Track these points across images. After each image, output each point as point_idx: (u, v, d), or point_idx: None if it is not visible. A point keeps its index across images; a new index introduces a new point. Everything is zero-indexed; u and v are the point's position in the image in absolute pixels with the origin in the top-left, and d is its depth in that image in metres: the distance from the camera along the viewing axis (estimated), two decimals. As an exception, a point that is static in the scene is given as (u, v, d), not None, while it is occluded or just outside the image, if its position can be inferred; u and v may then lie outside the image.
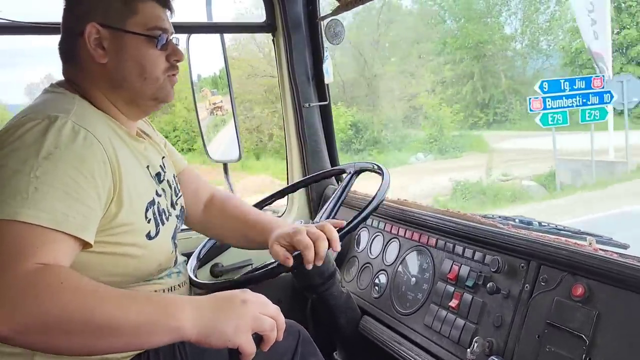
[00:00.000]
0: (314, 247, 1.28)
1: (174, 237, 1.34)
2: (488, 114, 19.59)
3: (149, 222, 1.21)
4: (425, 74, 19.39)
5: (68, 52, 1.25)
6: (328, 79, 2.25)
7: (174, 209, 1.37)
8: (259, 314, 1.01)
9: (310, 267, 1.29)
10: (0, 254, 0.90)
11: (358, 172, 1.89)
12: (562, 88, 10.89)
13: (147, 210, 1.21)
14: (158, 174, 1.34)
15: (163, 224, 1.27)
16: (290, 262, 1.31)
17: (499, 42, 19.94)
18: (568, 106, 10.87)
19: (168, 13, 1.30)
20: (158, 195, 1.29)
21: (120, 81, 1.23)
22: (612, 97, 10.70)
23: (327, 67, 2.23)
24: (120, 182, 1.12)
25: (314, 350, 1.48)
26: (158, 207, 1.26)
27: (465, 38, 18.95)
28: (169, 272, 1.32)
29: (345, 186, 1.80)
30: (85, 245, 1.02)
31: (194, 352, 1.29)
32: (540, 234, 1.36)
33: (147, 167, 1.30)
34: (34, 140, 1.02)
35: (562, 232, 1.50)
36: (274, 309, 1.05)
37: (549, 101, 10.88)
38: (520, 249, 1.29)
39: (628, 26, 19.48)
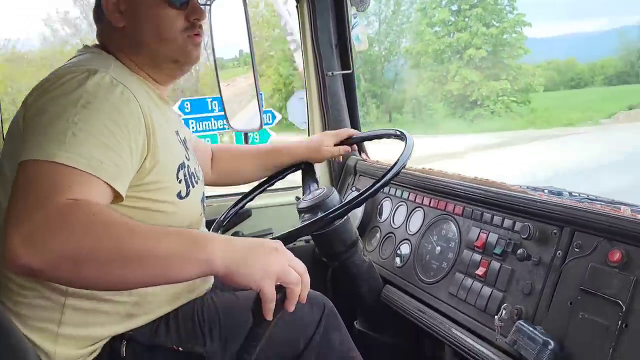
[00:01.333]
0: None
1: (202, 200, 1.36)
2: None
3: (180, 182, 1.22)
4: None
5: (97, 16, 1.26)
6: (359, 45, 2.20)
7: (199, 175, 1.38)
8: (287, 266, 0.99)
9: None
10: (35, 192, 0.90)
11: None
12: (210, 108, 7.75)
13: (178, 171, 1.22)
14: (184, 140, 1.35)
15: (193, 186, 1.28)
16: (350, 150, 1.89)
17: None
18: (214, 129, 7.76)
19: None
20: (187, 159, 1.29)
21: (140, 44, 1.23)
22: (273, 117, 7.86)
23: (358, 33, 2.18)
24: (154, 140, 1.12)
25: (338, 325, 1.47)
26: (188, 170, 1.27)
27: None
28: None
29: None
30: (116, 196, 1.02)
31: (210, 315, 1.28)
32: (573, 202, 1.32)
33: (177, 132, 1.30)
34: (74, 89, 1.03)
35: (594, 201, 1.45)
36: (302, 266, 1.03)
37: (192, 123, 7.46)
38: (553, 214, 1.24)
39: (462, 30, 20.17)
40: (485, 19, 21.43)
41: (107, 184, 0.98)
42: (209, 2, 1.33)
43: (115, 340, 1.19)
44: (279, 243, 1.03)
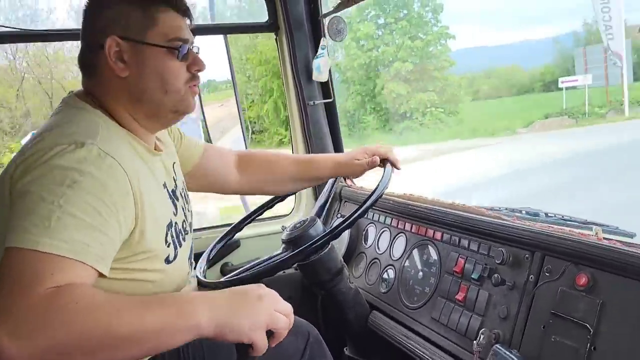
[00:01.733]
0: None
1: (190, 258, 1.35)
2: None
3: (168, 246, 1.21)
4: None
5: (89, 66, 1.22)
6: (319, 76, 2.23)
7: (187, 225, 1.36)
8: (273, 311, 1.01)
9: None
10: (19, 281, 0.90)
11: None
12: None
13: (167, 234, 1.21)
14: (173, 191, 1.33)
15: (181, 245, 1.26)
16: (378, 160, 1.73)
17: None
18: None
19: (187, 21, 1.27)
20: (175, 214, 1.28)
21: (141, 94, 1.20)
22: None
23: (319, 63, 2.22)
24: (142, 211, 1.11)
25: (323, 352, 1.49)
26: (175, 228, 1.26)
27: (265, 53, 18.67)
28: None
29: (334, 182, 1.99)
30: (100, 275, 1.01)
31: (195, 352, 1.31)
32: (546, 224, 1.36)
33: (164, 184, 1.29)
34: (60, 167, 1.00)
35: (568, 222, 1.50)
36: (287, 306, 1.06)
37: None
38: (524, 240, 1.28)
39: (388, 43, 20.71)
40: (411, 32, 21.58)
41: (91, 266, 0.97)
42: (197, 47, 1.32)
43: None
44: (262, 287, 1.04)
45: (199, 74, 1.28)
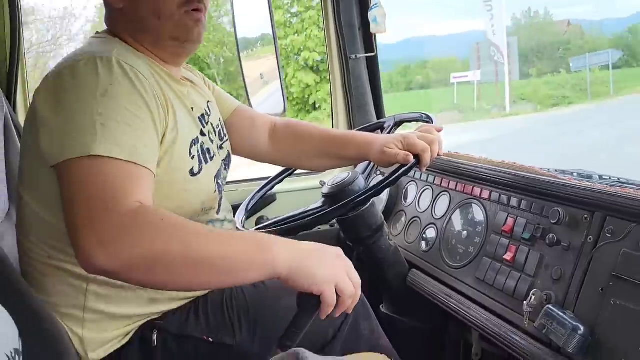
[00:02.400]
0: (430, 150, 1.39)
1: (217, 177, 1.33)
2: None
3: (192, 158, 1.21)
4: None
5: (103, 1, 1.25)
6: (377, 28, 2.16)
7: (220, 150, 1.38)
8: (346, 276, 1.01)
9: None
10: (97, 194, 0.93)
11: (398, 124, 1.83)
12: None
13: (191, 146, 1.21)
14: (202, 116, 1.33)
15: (207, 162, 1.27)
16: (412, 159, 1.38)
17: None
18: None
19: None
20: (202, 135, 1.28)
21: (139, 23, 1.21)
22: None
23: (375, 15, 2.15)
24: (170, 114, 1.13)
25: (368, 314, 1.47)
26: (202, 146, 1.26)
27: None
28: (213, 221, 1.32)
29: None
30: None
31: (240, 308, 1.30)
32: (605, 186, 1.29)
33: (192, 108, 1.29)
34: (88, 80, 1.03)
35: (625, 184, 1.43)
36: (358, 280, 1.04)
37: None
38: (584, 199, 1.22)
39: (298, 33, 19.97)
40: (320, 21, 20.93)
41: (145, 167, 1.01)
42: None
43: (146, 328, 1.20)
44: (340, 250, 1.04)
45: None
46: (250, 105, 2.42)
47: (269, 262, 0.95)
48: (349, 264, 1.03)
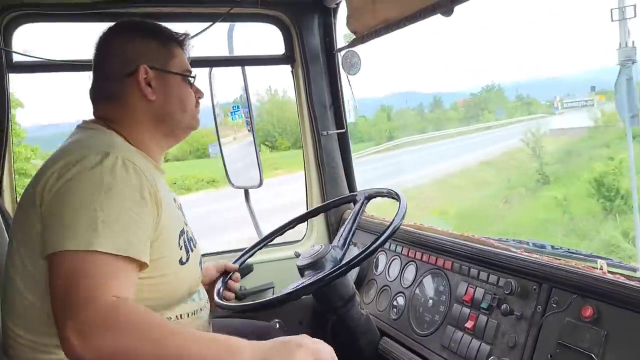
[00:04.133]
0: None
1: (200, 263, 1.45)
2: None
3: (180, 249, 1.30)
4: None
5: (110, 93, 1.36)
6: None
7: (195, 239, 1.45)
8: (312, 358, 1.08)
9: None
10: (83, 285, 1.01)
11: (369, 198, 1.96)
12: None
13: (179, 238, 1.31)
14: (180, 206, 1.46)
15: (192, 250, 1.36)
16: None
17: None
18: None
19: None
20: (185, 224, 1.39)
21: (164, 115, 1.38)
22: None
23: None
24: (161, 211, 1.22)
25: None
26: (187, 235, 1.36)
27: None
28: (194, 297, 1.41)
29: (357, 212, 1.86)
30: (141, 268, 1.13)
31: None
32: (552, 257, 1.42)
33: (174, 199, 1.43)
34: (94, 175, 1.12)
35: (574, 255, 1.56)
36: (330, 351, 1.12)
37: None
38: (533, 272, 1.35)
39: None
40: None
41: (137, 260, 1.10)
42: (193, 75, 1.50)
43: None
44: (305, 338, 1.11)
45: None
46: (228, 178, 2.54)
47: None
48: (313, 347, 1.09)
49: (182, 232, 1.33)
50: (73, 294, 1.01)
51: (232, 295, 1.77)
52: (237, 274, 1.83)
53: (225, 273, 1.79)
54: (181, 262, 1.30)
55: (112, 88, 1.36)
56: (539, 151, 18.37)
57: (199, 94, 1.48)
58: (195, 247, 1.40)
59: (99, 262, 1.04)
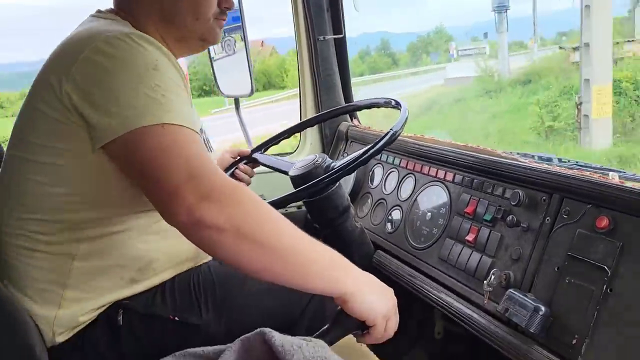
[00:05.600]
0: None
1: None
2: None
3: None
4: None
5: None
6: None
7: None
8: (394, 314, 1.07)
9: None
10: (189, 154, 0.95)
11: (367, 108, 1.86)
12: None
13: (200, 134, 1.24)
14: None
15: (210, 151, 1.30)
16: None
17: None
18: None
19: None
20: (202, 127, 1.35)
21: (173, 16, 1.23)
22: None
23: None
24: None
25: None
26: (205, 135, 1.33)
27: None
28: None
29: None
30: None
31: (207, 287, 1.30)
32: (563, 168, 1.33)
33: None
34: (134, 54, 1.02)
35: (583, 167, 1.47)
36: (397, 318, 1.09)
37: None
38: (543, 182, 1.26)
39: None
40: None
41: (198, 134, 1.03)
42: None
43: (112, 308, 1.19)
44: (392, 290, 1.09)
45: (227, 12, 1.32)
46: (217, 86, 2.41)
47: (339, 280, 0.99)
48: (395, 302, 1.08)
49: (201, 131, 1.27)
50: (182, 163, 0.93)
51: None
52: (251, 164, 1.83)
53: (239, 159, 1.79)
54: None
55: None
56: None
57: (225, 3, 1.30)
58: (210, 150, 1.36)
59: (181, 134, 0.97)
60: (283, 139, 1.97)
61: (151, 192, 0.97)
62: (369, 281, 1.04)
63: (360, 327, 1.05)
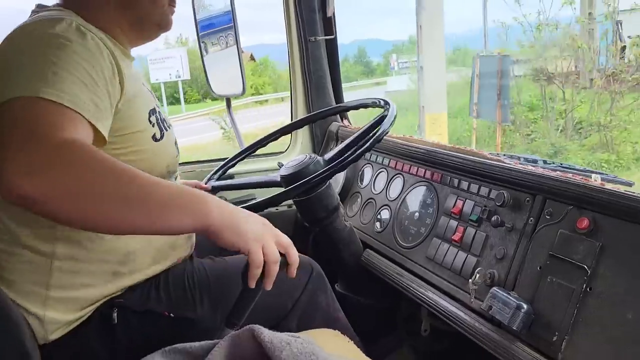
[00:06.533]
0: None
1: (176, 144, 1.37)
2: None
3: (153, 126, 1.23)
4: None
5: None
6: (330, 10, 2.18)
7: (168, 122, 1.37)
8: (273, 242, 1.02)
9: None
10: (29, 127, 0.88)
11: (355, 108, 1.88)
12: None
13: (150, 115, 1.23)
14: (150, 91, 1.35)
15: (166, 129, 1.29)
16: None
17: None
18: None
19: None
20: (157, 106, 1.30)
21: (132, 2, 1.24)
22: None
23: None
24: (125, 84, 1.11)
25: (325, 287, 1.51)
26: (160, 115, 1.28)
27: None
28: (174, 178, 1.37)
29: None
30: (98, 139, 1.01)
31: (201, 282, 1.32)
32: (546, 170, 1.36)
33: (143, 83, 1.31)
34: (46, 34, 1.01)
35: (567, 169, 1.51)
36: (288, 240, 1.06)
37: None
38: (527, 183, 1.29)
39: None
40: None
41: (90, 123, 0.97)
42: None
43: (106, 305, 1.21)
44: (266, 220, 1.05)
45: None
46: (209, 86, 2.42)
47: (203, 211, 0.95)
48: (275, 231, 1.05)
49: (152, 111, 1.24)
50: (14, 135, 0.87)
51: None
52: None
53: None
54: (155, 139, 1.22)
55: None
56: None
57: None
58: (169, 127, 1.32)
59: (49, 110, 0.91)
60: (274, 139, 1.99)
61: None
62: (234, 209, 1.00)
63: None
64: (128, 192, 0.89)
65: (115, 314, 1.20)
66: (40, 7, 1.22)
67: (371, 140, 1.48)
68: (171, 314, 1.25)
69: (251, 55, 26.70)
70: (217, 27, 2.39)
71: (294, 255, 1.06)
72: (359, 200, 1.97)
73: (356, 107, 1.87)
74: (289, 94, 2.40)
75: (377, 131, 1.51)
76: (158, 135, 1.23)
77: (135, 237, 1.22)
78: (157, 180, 0.94)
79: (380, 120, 1.59)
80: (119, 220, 0.90)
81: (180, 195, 0.94)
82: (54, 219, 0.89)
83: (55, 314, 1.15)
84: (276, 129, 2.00)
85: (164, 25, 1.32)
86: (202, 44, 2.45)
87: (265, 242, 1.00)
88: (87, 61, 1.01)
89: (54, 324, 1.15)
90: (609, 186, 1.15)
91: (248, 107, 19.44)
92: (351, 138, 1.65)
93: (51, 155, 0.85)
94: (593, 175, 1.38)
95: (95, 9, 1.21)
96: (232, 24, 2.28)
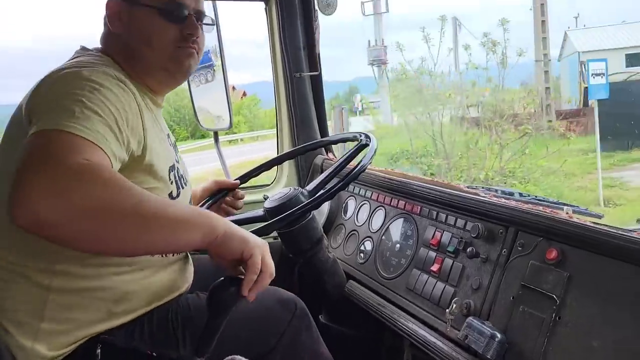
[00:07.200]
0: None
1: (190, 203, 1.44)
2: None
3: (171, 183, 1.29)
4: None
5: (104, 22, 1.34)
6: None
7: (187, 178, 1.43)
8: (267, 252, 1.11)
9: None
10: (50, 154, 0.93)
11: (342, 142, 1.94)
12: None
13: (169, 172, 1.28)
14: (174, 144, 1.42)
15: (183, 187, 1.34)
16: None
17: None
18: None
19: None
20: (177, 162, 1.36)
21: (132, 51, 1.31)
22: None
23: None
24: (148, 139, 1.18)
25: (309, 324, 1.51)
26: (178, 172, 1.34)
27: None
28: None
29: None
30: None
31: (184, 320, 1.33)
32: (520, 202, 1.42)
33: (168, 135, 1.38)
34: (79, 79, 1.09)
35: (541, 202, 1.56)
36: (272, 264, 1.12)
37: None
38: (500, 215, 1.34)
39: None
40: None
41: (109, 158, 1.02)
42: (212, 23, 1.41)
43: (91, 342, 1.21)
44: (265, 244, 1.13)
45: (198, 40, 1.36)
46: (196, 120, 2.47)
47: (209, 224, 1.04)
48: (267, 247, 1.12)
49: (172, 167, 1.31)
50: (35, 162, 0.91)
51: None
52: (239, 193, 1.84)
53: (220, 191, 1.80)
54: (171, 197, 1.28)
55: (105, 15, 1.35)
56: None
57: (188, 30, 1.32)
58: (186, 185, 1.38)
59: (72, 140, 0.96)
60: (263, 171, 2.03)
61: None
62: (232, 224, 1.09)
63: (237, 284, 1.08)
64: (144, 211, 0.96)
65: (99, 351, 1.21)
66: (83, 50, 1.32)
67: (353, 174, 1.54)
68: (154, 353, 1.26)
69: (244, 92, 27.10)
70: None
71: (270, 278, 1.12)
72: (342, 231, 2.01)
73: (337, 142, 1.93)
74: (265, 133, 2.45)
75: (357, 167, 1.56)
76: (175, 194, 1.29)
77: (135, 278, 1.24)
78: (167, 200, 1.05)
79: (357, 151, 1.66)
80: (134, 238, 0.97)
81: (189, 212, 1.06)
82: (67, 242, 0.94)
83: (42, 348, 1.15)
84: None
85: (172, 68, 1.34)
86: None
87: (265, 252, 1.10)
88: (115, 107, 1.09)
89: (38, 357, 1.15)
90: (576, 218, 1.21)
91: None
92: (330, 169, 1.70)
93: (70, 177, 0.90)
94: (565, 208, 1.43)
95: (121, 59, 1.30)
96: (211, 62, 2.36)
